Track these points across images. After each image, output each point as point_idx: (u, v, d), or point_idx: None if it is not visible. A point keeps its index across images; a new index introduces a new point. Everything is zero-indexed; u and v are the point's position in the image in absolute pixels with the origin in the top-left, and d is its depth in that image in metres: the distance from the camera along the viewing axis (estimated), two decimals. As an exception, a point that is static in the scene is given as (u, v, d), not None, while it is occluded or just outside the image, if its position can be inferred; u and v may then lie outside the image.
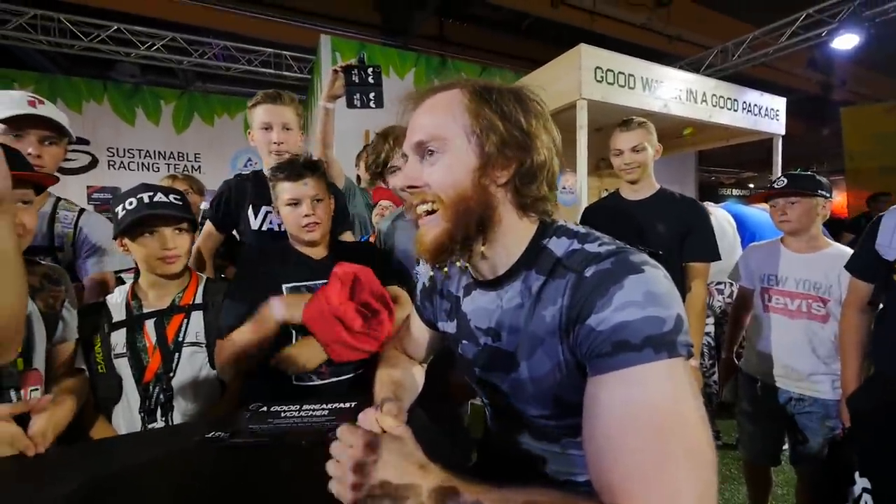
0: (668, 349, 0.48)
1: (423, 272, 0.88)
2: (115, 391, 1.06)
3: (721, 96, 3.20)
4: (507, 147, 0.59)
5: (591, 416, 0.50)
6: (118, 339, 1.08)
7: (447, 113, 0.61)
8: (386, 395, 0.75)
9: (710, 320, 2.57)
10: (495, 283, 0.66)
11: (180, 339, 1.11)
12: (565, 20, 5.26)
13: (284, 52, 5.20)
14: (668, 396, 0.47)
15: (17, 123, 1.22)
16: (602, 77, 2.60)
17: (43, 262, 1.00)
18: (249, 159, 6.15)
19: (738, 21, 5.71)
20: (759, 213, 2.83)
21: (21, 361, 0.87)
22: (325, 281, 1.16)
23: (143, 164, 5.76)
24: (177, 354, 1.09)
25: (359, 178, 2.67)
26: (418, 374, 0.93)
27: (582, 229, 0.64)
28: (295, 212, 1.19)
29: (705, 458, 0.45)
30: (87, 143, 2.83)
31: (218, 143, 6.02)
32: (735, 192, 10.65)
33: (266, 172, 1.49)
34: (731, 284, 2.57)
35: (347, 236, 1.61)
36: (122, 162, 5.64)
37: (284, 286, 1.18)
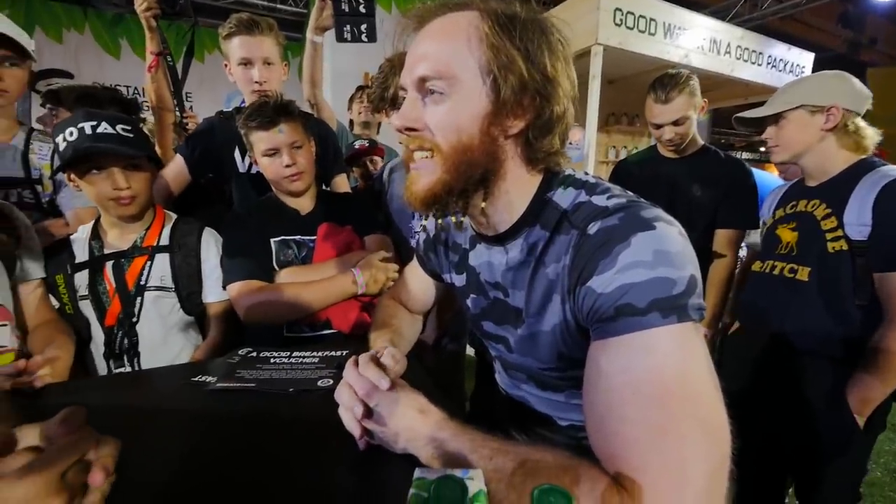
0: (677, 313, 0.44)
1: (419, 222, 0.84)
2: (84, 333, 1.02)
3: (746, 48, 3.00)
4: (526, 93, 0.51)
5: (592, 383, 0.47)
6: (81, 280, 1.02)
7: (460, 42, 0.50)
8: (383, 344, 0.74)
9: None
10: (500, 239, 0.61)
11: (142, 282, 1.04)
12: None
13: (278, -18, 4.79)
14: (675, 363, 0.43)
15: None
16: (622, 20, 2.41)
17: None
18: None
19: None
20: (770, 176, 2.74)
21: None
22: (312, 237, 1.15)
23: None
24: (139, 299, 1.04)
25: (351, 122, 2.52)
26: (415, 325, 0.92)
27: (591, 179, 0.58)
28: (275, 162, 1.11)
29: (717, 430, 0.41)
30: (70, 76, 2.63)
31: (210, 81, 5.68)
32: (746, 154, 10.38)
33: None
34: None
35: (342, 179, 1.52)
36: (108, 98, 5.38)
37: (272, 240, 1.13)
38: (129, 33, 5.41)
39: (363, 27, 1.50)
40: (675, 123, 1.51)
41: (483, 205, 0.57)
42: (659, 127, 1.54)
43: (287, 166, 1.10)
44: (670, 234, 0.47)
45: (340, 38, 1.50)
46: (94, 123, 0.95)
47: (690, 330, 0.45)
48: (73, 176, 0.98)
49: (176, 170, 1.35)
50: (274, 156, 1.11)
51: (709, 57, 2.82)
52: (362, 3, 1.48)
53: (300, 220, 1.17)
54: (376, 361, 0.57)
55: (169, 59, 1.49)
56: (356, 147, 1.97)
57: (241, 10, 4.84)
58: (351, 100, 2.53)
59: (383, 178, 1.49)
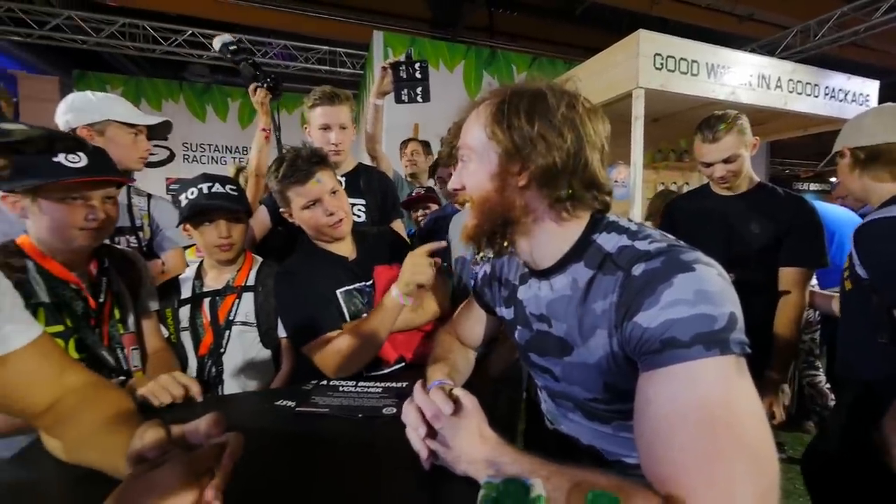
0: (719, 346, 0.47)
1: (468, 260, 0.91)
2: (183, 361, 1.18)
3: (799, 81, 2.92)
4: (514, 155, 0.62)
5: (641, 412, 0.51)
6: (185, 314, 1.20)
7: (475, 125, 0.67)
8: (440, 377, 0.79)
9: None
10: (546, 273, 0.68)
11: (231, 317, 1.20)
12: (622, 5, 5.00)
13: (339, 49, 5.39)
14: (719, 393, 0.46)
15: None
16: (662, 64, 2.47)
17: (120, 248, 1.14)
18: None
19: (823, -5, 5.12)
20: (840, 210, 2.57)
21: (121, 326, 1.01)
22: (367, 282, 1.18)
23: (212, 157, 6.25)
24: (227, 332, 1.19)
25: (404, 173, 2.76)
26: (469, 359, 0.97)
27: (633, 226, 0.65)
28: (315, 212, 1.12)
29: (764, 458, 0.43)
30: (165, 138, 3.11)
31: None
32: (813, 186, 9.64)
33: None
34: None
35: (398, 224, 1.66)
36: (194, 155, 6.16)
37: (338, 292, 1.16)
38: (213, 101, 6.27)
39: (418, 90, 1.70)
40: (726, 161, 1.50)
41: (517, 239, 0.68)
42: (709, 165, 1.54)
43: (329, 214, 1.12)
44: (709, 275, 0.52)
45: (399, 100, 1.71)
46: (210, 185, 1.18)
47: (734, 363, 0.48)
48: (188, 226, 1.19)
49: (261, 218, 1.57)
50: (314, 206, 1.12)
51: (758, 92, 2.78)
52: (418, 70, 1.69)
53: (350, 266, 1.20)
54: (444, 390, 0.64)
55: (277, 134, 1.74)
56: (413, 194, 2.17)
57: (304, 75, 5.40)
58: (401, 149, 2.78)
59: (449, 230, 1.56)
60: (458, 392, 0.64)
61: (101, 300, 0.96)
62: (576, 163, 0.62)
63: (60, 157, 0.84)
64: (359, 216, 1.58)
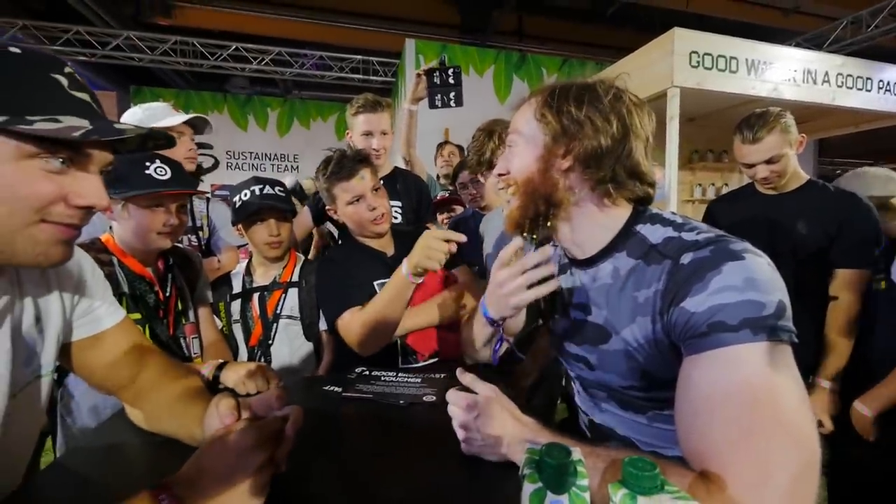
0: (767, 332, 0.48)
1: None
2: (234, 351, 1.28)
3: (849, 75, 2.78)
4: (561, 136, 0.66)
5: (683, 394, 0.53)
6: (236, 308, 1.30)
7: (523, 115, 0.71)
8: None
9: None
10: (588, 262, 0.71)
11: (278, 311, 1.29)
12: (657, 3, 4.90)
13: (371, 58, 5.56)
14: (764, 375, 0.47)
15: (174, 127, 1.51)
16: (698, 62, 2.42)
17: (181, 247, 1.23)
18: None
19: (877, -16, 4.82)
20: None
21: (183, 317, 1.11)
22: None
23: (252, 164, 6.58)
24: (275, 325, 1.28)
25: (437, 175, 2.82)
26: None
27: (678, 218, 0.66)
28: (359, 208, 1.18)
29: (804, 438, 0.44)
30: (211, 147, 3.34)
31: (314, 144, 6.62)
32: (867, 186, 9.00)
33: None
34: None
35: (432, 227, 1.73)
36: (237, 163, 6.50)
37: (375, 283, 1.21)
38: (254, 111, 6.60)
39: (451, 95, 1.75)
40: (769, 162, 1.45)
41: (555, 226, 0.70)
42: (751, 166, 1.49)
43: (371, 209, 1.18)
44: (758, 263, 0.53)
45: (433, 105, 1.77)
46: (261, 187, 1.28)
47: (780, 349, 0.49)
48: (240, 227, 1.28)
49: (303, 219, 1.68)
50: (358, 202, 1.18)
51: (803, 88, 2.66)
52: (451, 76, 1.74)
53: (388, 261, 1.25)
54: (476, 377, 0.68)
55: None
56: (438, 197, 2.23)
57: (339, 84, 5.57)
58: (435, 157, 2.85)
59: (480, 228, 1.55)
60: (477, 383, 0.67)
61: (168, 294, 1.07)
62: (620, 148, 0.65)
63: (151, 170, 0.97)
64: (396, 217, 1.64)
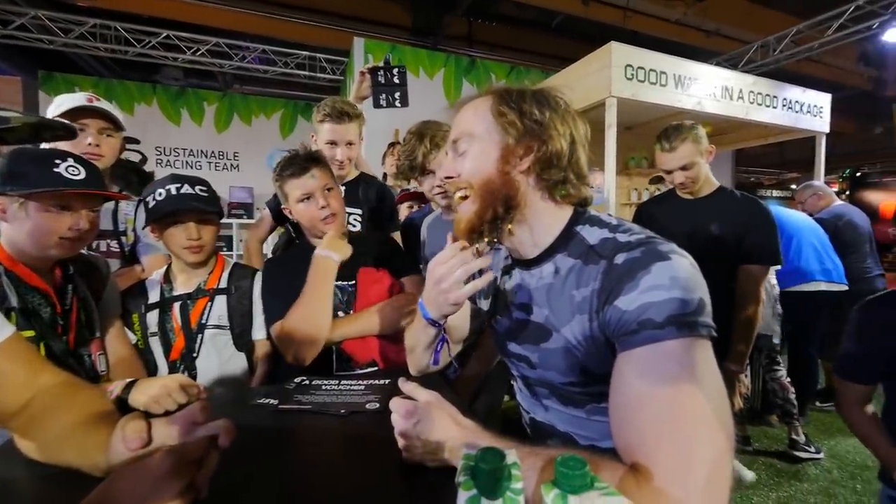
0: (689, 328, 0.52)
1: None
2: (151, 367, 1.15)
3: (759, 93, 3.11)
4: (524, 137, 0.66)
5: (617, 387, 0.55)
6: (152, 319, 1.17)
7: (475, 114, 0.70)
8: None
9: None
10: (532, 263, 0.72)
11: (203, 321, 1.18)
12: (597, 17, 5.19)
13: (318, 55, 5.37)
14: (687, 370, 0.50)
15: (79, 116, 1.34)
16: (633, 75, 2.58)
17: (84, 253, 1.09)
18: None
19: (783, 14, 5.44)
20: (798, 215, 2.74)
21: (87, 332, 0.98)
22: (351, 282, 1.20)
23: (187, 161, 6.08)
24: (199, 336, 1.17)
25: (384, 175, 2.76)
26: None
27: (614, 220, 0.70)
28: (310, 206, 1.18)
29: (723, 426, 0.48)
30: (137, 142, 3.03)
31: (255, 142, 6.27)
32: (776, 193, 10.16)
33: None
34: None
35: (396, 237, 1.66)
36: (168, 160, 5.98)
37: None
38: (188, 104, 6.13)
39: (397, 95, 1.74)
40: (683, 168, 1.62)
41: (511, 227, 0.70)
42: (669, 172, 1.67)
43: (322, 208, 1.17)
44: (683, 264, 0.57)
45: (377, 104, 1.74)
46: (179, 185, 1.15)
47: (701, 344, 0.53)
48: (155, 228, 1.16)
49: (262, 217, 1.69)
50: (308, 200, 1.18)
51: (722, 103, 2.94)
52: (396, 76, 1.72)
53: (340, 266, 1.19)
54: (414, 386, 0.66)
55: None
56: (401, 192, 2.18)
57: (284, 80, 5.33)
58: (384, 155, 2.79)
59: (421, 232, 1.56)
60: (418, 390, 0.66)
61: (68, 306, 0.94)
62: (571, 153, 0.68)
63: (61, 168, 0.85)
64: (353, 225, 1.59)
